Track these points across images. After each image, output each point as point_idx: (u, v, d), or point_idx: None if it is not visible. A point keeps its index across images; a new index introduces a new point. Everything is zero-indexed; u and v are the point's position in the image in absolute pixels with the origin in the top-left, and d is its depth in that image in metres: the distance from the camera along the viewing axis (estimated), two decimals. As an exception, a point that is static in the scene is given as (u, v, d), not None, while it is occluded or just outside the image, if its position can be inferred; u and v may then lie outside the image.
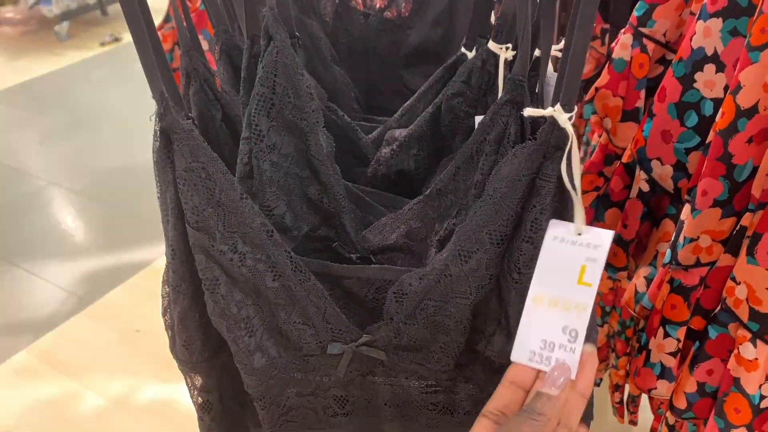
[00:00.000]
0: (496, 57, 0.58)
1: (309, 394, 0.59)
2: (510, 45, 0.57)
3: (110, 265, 2.63)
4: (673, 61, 0.72)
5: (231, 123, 0.57)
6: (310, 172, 0.53)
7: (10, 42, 5.09)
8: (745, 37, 0.66)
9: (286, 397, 0.57)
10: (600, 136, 0.88)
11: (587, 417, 0.53)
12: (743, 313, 0.63)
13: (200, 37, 1.06)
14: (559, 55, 0.56)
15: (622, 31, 0.81)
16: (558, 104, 0.42)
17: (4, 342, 2.25)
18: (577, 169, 0.43)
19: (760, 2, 0.60)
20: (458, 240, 0.48)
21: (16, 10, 5.45)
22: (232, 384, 0.59)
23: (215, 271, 0.49)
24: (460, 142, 0.58)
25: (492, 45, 0.57)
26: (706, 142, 0.70)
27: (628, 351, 0.87)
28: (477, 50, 0.61)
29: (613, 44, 0.83)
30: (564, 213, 0.47)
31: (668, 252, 0.72)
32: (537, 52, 0.54)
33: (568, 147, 0.42)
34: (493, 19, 0.69)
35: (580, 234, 0.45)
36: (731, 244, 0.67)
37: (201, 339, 0.55)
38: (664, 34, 0.78)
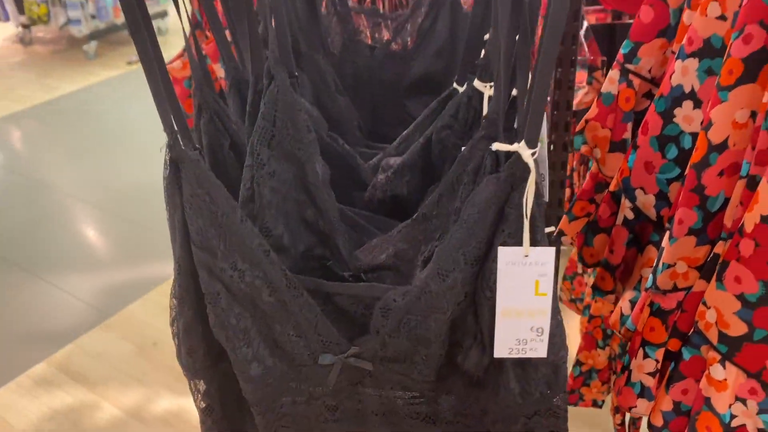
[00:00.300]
0: (481, 94, 0.63)
1: (302, 402, 0.63)
2: (493, 83, 0.62)
3: (129, 279, 2.70)
4: (655, 97, 0.77)
5: (238, 150, 0.62)
6: (307, 197, 0.58)
7: (40, 60, 5.24)
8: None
9: (280, 404, 0.62)
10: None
11: (560, 388, 0.57)
12: (713, 336, 0.67)
13: (218, 65, 1.12)
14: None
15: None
16: (522, 141, 0.47)
17: (25, 352, 2.31)
18: (530, 199, 0.47)
19: (729, 46, 0.65)
20: (437, 260, 0.53)
21: (47, 29, 5.61)
22: (232, 391, 0.64)
23: (216, 286, 0.54)
24: (449, 171, 0.63)
25: (477, 83, 0.62)
26: (685, 173, 0.74)
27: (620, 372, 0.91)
28: (466, 86, 0.67)
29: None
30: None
31: (650, 277, 0.76)
32: (515, 91, 0.59)
33: (529, 179, 0.47)
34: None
35: (527, 256, 0.50)
36: (705, 270, 0.70)
37: (203, 348, 0.60)
38: (650, 71, 0.82)
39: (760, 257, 0.61)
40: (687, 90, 0.73)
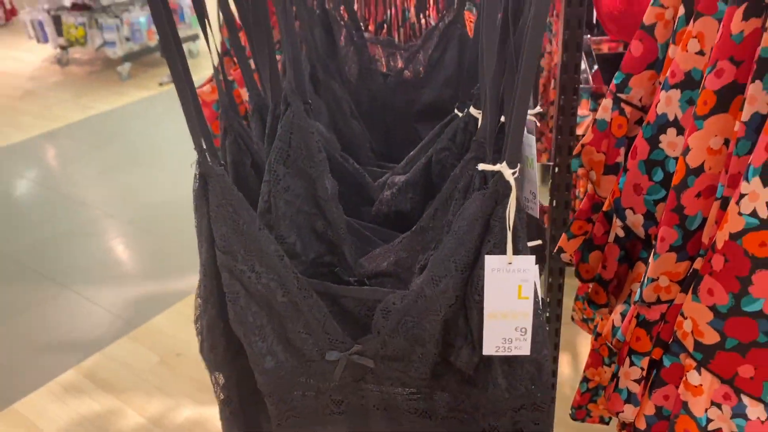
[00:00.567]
0: (476, 119, 0.70)
1: (311, 396, 0.70)
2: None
3: (155, 291, 2.78)
4: (643, 124, 0.83)
5: (258, 168, 0.70)
6: (317, 210, 0.65)
7: (76, 81, 5.42)
8: (699, 106, 0.76)
9: (291, 397, 0.69)
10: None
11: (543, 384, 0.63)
12: (689, 344, 0.72)
13: (244, 89, 1.20)
14: (531, 117, 0.68)
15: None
16: (504, 162, 0.54)
17: (55, 360, 2.40)
18: (512, 213, 0.54)
19: (704, 79, 0.71)
20: (431, 267, 0.60)
21: (84, 51, 5.82)
22: (248, 385, 0.71)
23: (237, 286, 0.62)
24: (443, 188, 0.70)
25: (473, 110, 0.70)
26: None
27: None
28: (464, 113, 0.74)
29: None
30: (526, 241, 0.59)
31: (638, 291, 0.82)
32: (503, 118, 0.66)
33: (511, 195, 0.54)
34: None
35: (510, 263, 0.56)
36: (686, 284, 0.76)
37: (224, 344, 0.67)
38: (640, 100, 0.89)
39: (730, 271, 0.67)
40: (671, 118, 0.79)
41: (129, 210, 3.41)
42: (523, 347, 0.59)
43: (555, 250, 1.04)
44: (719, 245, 0.68)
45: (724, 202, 0.70)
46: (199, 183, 0.60)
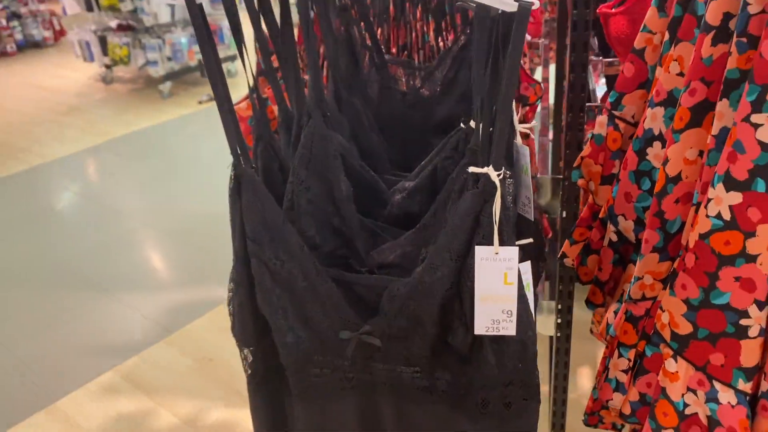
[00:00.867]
0: (479, 132, 0.79)
1: (327, 373, 0.80)
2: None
3: (191, 299, 2.90)
4: (632, 138, 0.92)
5: (284, 171, 0.81)
6: (334, 208, 0.75)
7: (119, 98, 5.65)
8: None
9: (308, 372, 0.79)
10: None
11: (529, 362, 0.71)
12: (667, 335, 0.80)
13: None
14: (525, 131, 0.78)
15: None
16: (490, 165, 0.63)
17: (95, 362, 2.52)
18: (498, 209, 0.63)
19: (680, 98, 0.79)
20: (430, 257, 0.69)
21: (127, 70, 6.07)
22: (272, 361, 0.81)
23: (263, 271, 0.72)
24: (442, 190, 0.80)
25: (472, 122, 0.79)
26: (652, 201, 0.88)
27: None
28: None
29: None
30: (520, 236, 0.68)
31: (628, 290, 0.90)
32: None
33: (496, 194, 0.63)
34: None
35: (497, 253, 0.65)
36: (667, 282, 0.84)
37: (252, 322, 0.77)
38: (633, 116, 0.97)
39: (700, 268, 0.75)
40: (656, 133, 0.88)
41: (167, 221, 3.55)
42: (509, 328, 0.68)
43: (559, 256, 1.12)
44: (691, 244, 0.76)
45: (699, 208, 0.78)
46: (234, 182, 0.71)
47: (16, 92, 6.01)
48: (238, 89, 5.59)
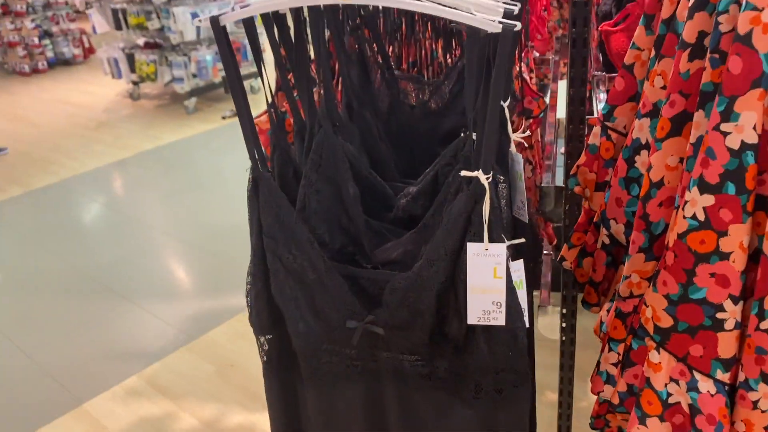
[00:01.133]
0: (472, 140, 0.87)
1: (336, 361, 0.87)
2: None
3: (212, 307, 2.98)
4: (622, 147, 0.98)
5: (298, 176, 0.89)
6: (342, 209, 0.83)
7: (146, 113, 5.81)
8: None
9: (318, 360, 0.86)
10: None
11: (519, 351, 0.78)
12: (650, 328, 0.86)
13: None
14: (521, 140, 0.85)
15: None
16: (480, 169, 0.71)
17: (120, 367, 2.61)
18: (487, 210, 0.71)
19: (662, 109, 0.86)
20: (427, 254, 0.77)
21: (153, 86, 6.23)
22: (285, 349, 0.89)
23: (277, 264, 0.80)
24: (439, 193, 0.87)
25: (471, 133, 0.87)
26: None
27: None
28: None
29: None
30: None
31: (618, 288, 0.96)
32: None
33: (486, 196, 0.71)
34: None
35: (487, 249, 0.72)
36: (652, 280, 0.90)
37: (267, 312, 0.85)
38: (624, 127, 1.04)
39: (678, 265, 0.81)
40: (643, 142, 0.94)
41: (190, 232, 3.65)
42: (499, 318, 0.75)
43: (558, 259, 1.18)
44: (670, 244, 0.82)
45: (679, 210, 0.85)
46: (252, 184, 0.79)
47: (48, 108, 6.21)
48: (261, 104, 5.71)
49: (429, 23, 1.40)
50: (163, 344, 2.74)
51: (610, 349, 0.96)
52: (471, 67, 0.72)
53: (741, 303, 0.80)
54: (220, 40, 0.73)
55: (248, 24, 0.79)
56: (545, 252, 1.69)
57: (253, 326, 0.89)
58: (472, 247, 0.73)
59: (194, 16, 5.17)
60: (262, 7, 0.76)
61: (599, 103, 1.55)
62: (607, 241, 1.03)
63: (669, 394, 0.86)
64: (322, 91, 0.88)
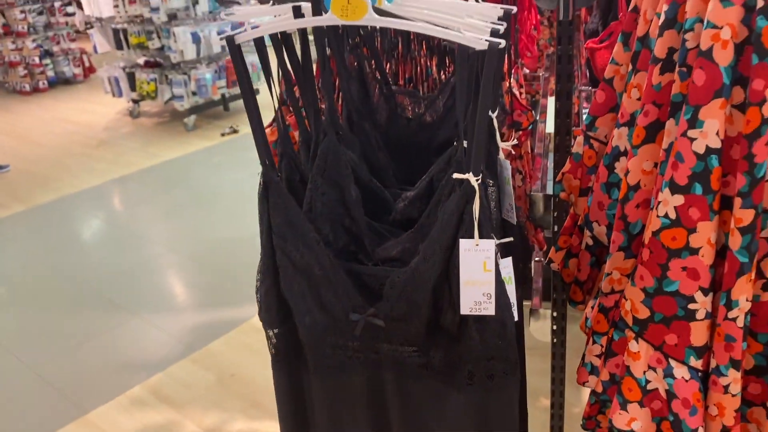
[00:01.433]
0: (464, 148, 0.95)
1: (340, 353, 0.94)
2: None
3: (213, 319, 3.04)
4: (603, 155, 1.06)
5: (304, 182, 0.96)
6: (345, 211, 0.91)
7: (146, 131, 5.88)
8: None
9: (323, 350, 0.93)
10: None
11: (507, 340, 0.84)
12: (630, 320, 0.93)
13: (296, 132, 1.48)
14: (509, 149, 0.93)
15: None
16: (470, 172, 0.78)
17: (123, 378, 2.66)
18: (477, 209, 0.78)
19: (637, 118, 0.94)
20: (423, 250, 0.84)
21: (153, 104, 6.32)
22: (292, 341, 0.96)
23: (286, 262, 0.87)
24: (434, 196, 0.95)
25: (462, 141, 0.95)
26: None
27: None
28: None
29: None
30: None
31: (600, 285, 1.04)
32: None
33: (476, 196, 0.78)
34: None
35: (477, 245, 0.80)
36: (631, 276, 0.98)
37: (276, 307, 0.92)
38: (605, 137, 1.12)
39: (653, 260, 0.89)
40: (621, 149, 1.02)
41: (191, 246, 3.71)
42: (489, 308, 0.82)
43: (546, 261, 1.26)
44: (646, 241, 0.90)
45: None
46: (263, 187, 0.87)
47: (49, 126, 6.28)
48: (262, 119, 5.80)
49: (424, 42, 1.48)
50: (166, 355, 2.80)
51: (594, 342, 1.03)
52: (462, 81, 0.80)
53: (711, 294, 0.87)
54: (235, 56, 0.81)
55: (259, 43, 0.87)
56: (536, 259, 1.77)
57: (262, 321, 0.96)
58: (464, 243, 0.80)
59: (194, 35, 5.28)
60: (273, 27, 0.84)
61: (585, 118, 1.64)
62: (590, 242, 1.11)
63: (648, 381, 0.93)
64: (323, 105, 0.96)
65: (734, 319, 0.85)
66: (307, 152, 0.99)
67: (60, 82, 7.76)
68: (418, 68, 1.50)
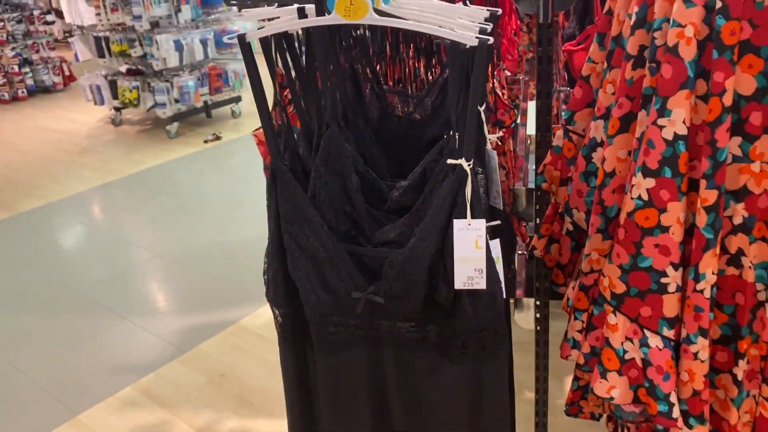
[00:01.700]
0: (455, 140, 1.03)
1: (342, 330, 1.02)
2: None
3: (201, 322, 3.08)
4: (582, 146, 1.15)
5: (305, 172, 1.03)
6: (346, 198, 0.98)
7: (128, 138, 5.91)
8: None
9: (327, 327, 1.00)
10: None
11: (497, 312, 0.92)
12: (608, 295, 1.02)
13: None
14: (495, 140, 1.01)
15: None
16: (462, 158, 0.86)
17: (115, 379, 2.69)
18: (469, 192, 0.86)
19: (612, 110, 1.03)
20: (420, 231, 0.92)
21: (135, 112, 6.34)
22: (298, 320, 1.03)
23: (293, 244, 0.94)
24: (429, 182, 1.03)
25: (452, 132, 1.03)
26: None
27: None
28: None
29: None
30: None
31: (580, 265, 1.12)
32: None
33: (468, 180, 0.86)
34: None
35: (469, 224, 0.88)
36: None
37: (283, 287, 1.00)
38: (583, 130, 1.21)
39: (628, 239, 0.97)
40: (598, 141, 1.11)
41: (177, 251, 3.75)
42: (481, 283, 0.90)
43: (529, 249, 1.34)
44: (621, 222, 0.98)
45: (629, 195, 1.01)
46: (271, 176, 0.94)
47: (30, 134, 6.27)
48: (243, 128, 5.87)
49: (412, 45, 1.56)
50: (156, 357, 2.83)
51: (576, 318, 1.11)
52: (453, 76, 0.88)
53: (681, 269, 0.96)
54: (246, 53, 0.88)
55: (265, 44, 0.94)
56: (519, 252, 1.85)
57: (270, 301, 1.03)
58: (457, 223, 0.88)
59: (177, 43, 5.33)
60: (279, 27, 0.91)
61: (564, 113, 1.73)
62: (570, 228, 1.19)
63: (625, 351, 1.02)
64: (323, 102, 1.04)
65: (702, 291, 0.94)
66: (308, 145, 1.06)
67: (39, 90, 7.74)
68: (407, 69, 1.58)
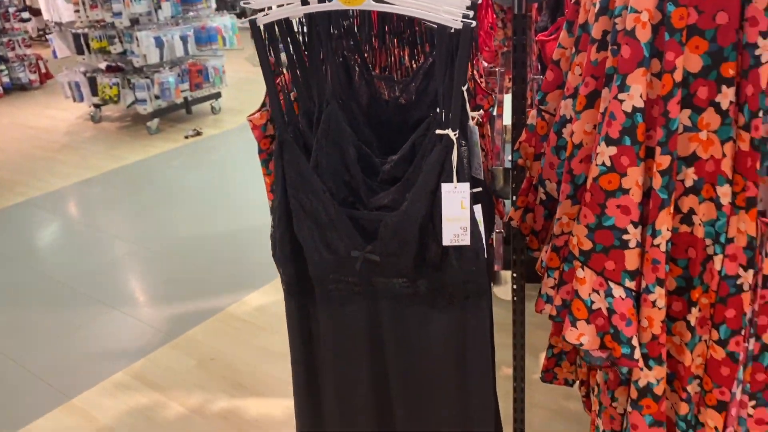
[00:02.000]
0: (442, 113, 1.15)
1: (342, 287, 1.13)
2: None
3: (189, 309, 3.16)
4: (553, 123, 1.28)
5: (307, 145, 1.15)
6: (345, 168, 1.10)
7: (108, 135, 5.94)
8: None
9: (328, 283, 1.12)
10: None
11: (480, 266, 1.05)
12: (576, 252, 1.15)
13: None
14: (477, 117, 1.13)
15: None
16: (449, 128, 0.99)
17: (106, 365, 2.78)
18: (455, 158, 0.98)
19: (579, 89, 1.16)
20: (411, 195, 1.04)
21: (115, 108, 6.38)
22: (301, 278, 1.14)
23: (298, 207, 1.06)
24: (419, 152, 1.15)
25: (438, 110, 1.15)
26: (566, 164, 1.24)
27: None
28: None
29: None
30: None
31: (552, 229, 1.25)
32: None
33: (454, 148, 0.99)
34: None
35: (456, 187, 1.00)
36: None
37: (289, 248, 1.11)
38: (554, 110, 1.34)
39: (593, 201, 1.10)
40: (568, 117, 1.23)
41: (161, 243, 3.82)
42: (465, 239, 1.02)
43: (506, 219, 1.47)
44: (588, 186, 1.11)
45: (595, 164, 1.14)
46: (278, 146, 1.05)
47: (8, 131, 6.27)
48: (222, 124, 5.94)
49: (396, 36, 1.69)
50: (146, 343, 2.92)
51: (548, 276, 1.24)
52: (440, 57, 1.00)
53: (640, 227, 1.09)
54: (257, 38, 1.00)
55: (270, 29, 1.06)
56: (497, 230, 1.99)
57: (276, 261, 1.14)
58: (445, 186, 1.01)
59: (157, 39, 5.38)
60: (284, 12, 1.03)
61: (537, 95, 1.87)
62: (543, 197, 1.32)
63: (592, 302, 1.15)
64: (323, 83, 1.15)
65: (658, 246, 1.07)
66: (307, 120, 1.18)
67: (15, 88, 7.71)
68: (392, 58, 1.70)
